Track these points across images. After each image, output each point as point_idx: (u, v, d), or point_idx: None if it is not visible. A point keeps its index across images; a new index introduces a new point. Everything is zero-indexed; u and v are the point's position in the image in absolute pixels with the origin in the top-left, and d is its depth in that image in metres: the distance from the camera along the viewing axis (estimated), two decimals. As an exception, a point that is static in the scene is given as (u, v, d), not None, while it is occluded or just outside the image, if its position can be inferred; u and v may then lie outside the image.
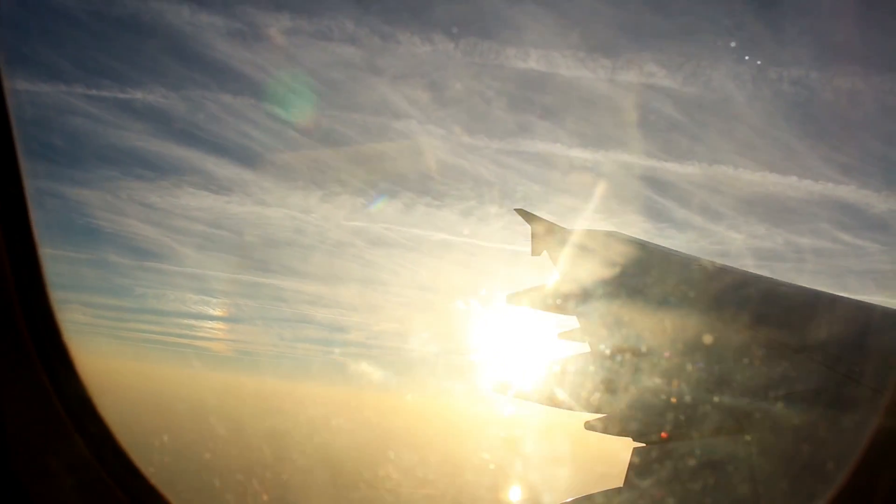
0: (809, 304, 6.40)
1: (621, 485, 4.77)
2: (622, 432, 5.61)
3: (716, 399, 4.96)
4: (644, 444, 4.92)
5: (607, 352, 6.76)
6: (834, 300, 6.37)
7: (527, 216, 12.81)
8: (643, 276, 8.33)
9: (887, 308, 5.64)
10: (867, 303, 6.03)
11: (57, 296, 2.36)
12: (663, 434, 4.93)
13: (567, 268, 9.92)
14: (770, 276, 7.40)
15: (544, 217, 12.82)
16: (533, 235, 12.44)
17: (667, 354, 6.04)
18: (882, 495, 1.79)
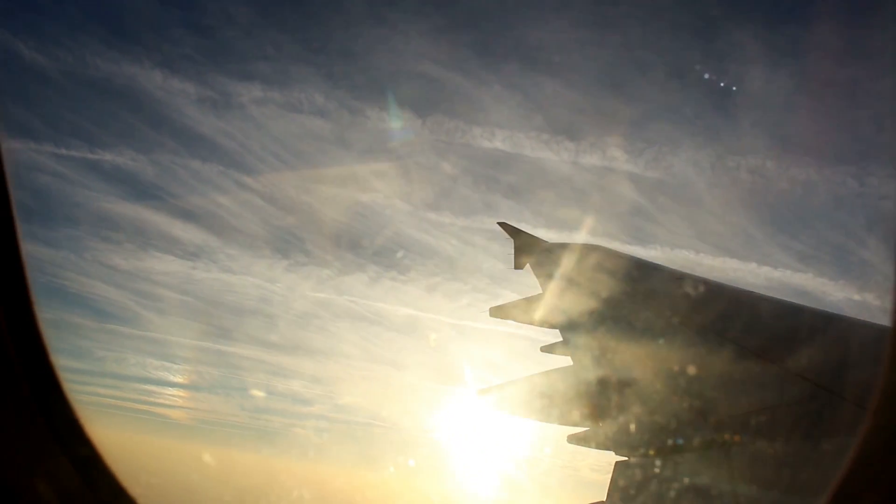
0: (790, 319, 6.48)
1: (604, 499, 4.81)
2: (604, 446, 5.65)
3: (698, 414, 5.00)
4: (626, 459, 4.96)
5: (590, 365, 6.79)
6: (815, 315, 6.45)
7: (510, 230, 12.87)
8: (626, 290, 8.38)
9: (868, 322, 5.72)
10: (848, 317, 6.12)
11: (43, 316, 2.36)
12: (645, 448, 4.97)
13: (549, 281, 9.97)
14: (752, 291, 7.48)
15: (527, 231, 12.90)
16: (516, 249, 12.50)
17: (649, 369, 6.08)
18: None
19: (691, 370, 5.76)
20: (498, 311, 9.97)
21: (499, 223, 13.12)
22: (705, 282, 8.04)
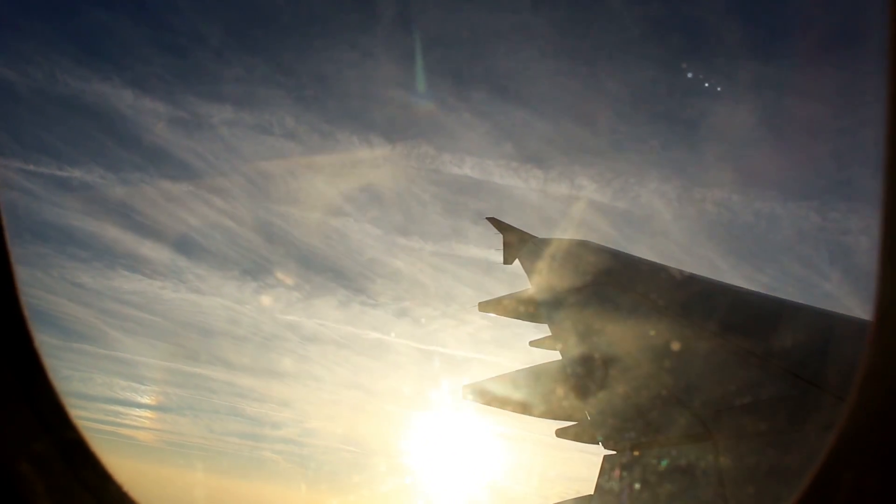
0: (774, 312, 6.52)
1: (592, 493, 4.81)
2: (593, 440, 5.65)
3: (684, 406, 5.02)
4: (614, 452, 4.97)
5: (578, 359, 6.80)
6: (798, 308, 6.49)
7: (499, 225, 12.88)
8: (614, 284, 8.40)
9: (849, 316, 5.76)
10: (829, 311, 6.17)
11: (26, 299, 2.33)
12: (633, 442, 4.98)
13: (538, 276, 9.98)
14: (734, 285, 7.52)
15: (516, 227, 12.91)
16: (505, 245, 12.51)
17: (637, 362, 6.10)
18: (843, 501, 1.83)
19: (678, 363, 5.78)
20: (487, 307, 9.97)
21: (487, 218, 13.13)
22: (693, 277, 8.07)
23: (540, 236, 12.07)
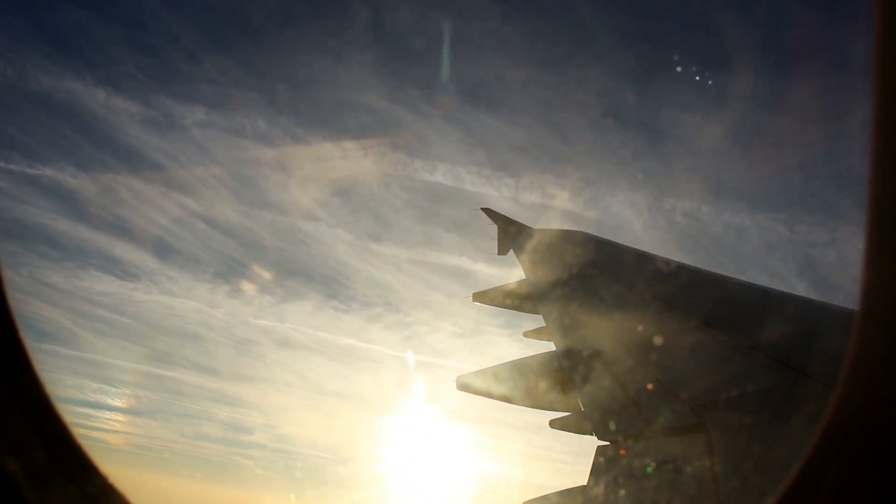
0: (767, 302, 6.51)
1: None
2: (586, 430, 5.65)
3: (677, 397, 5.02)
4: (608, 442, 4.97)
5: (572, 350, 6.79)
6: (790, 299, 6.49)
7: (493, 215, 12.86)
8: (609, 275, 8.39)
9: (840, 307, 5.77)
10: (823, 302, 6.17)
11: (14, 295, 2.31)
12: (626, 432, 4.98)
13: (533, 266, 9.97)
14: (729, 276, 7.51)
15: (510, 217, 12.90)
16: (499, 235, 12.50)
17: (630, 353, 6.09)
18: (829, 491, 1.83)
19: (671, 354, 5.78)
20: (481, 297, 9.96)
21: (482, 209, 13.13)
22: (687, 268, 8.06)
23: (538, 228, 12.05)
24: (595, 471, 4.76)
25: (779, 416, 4.31)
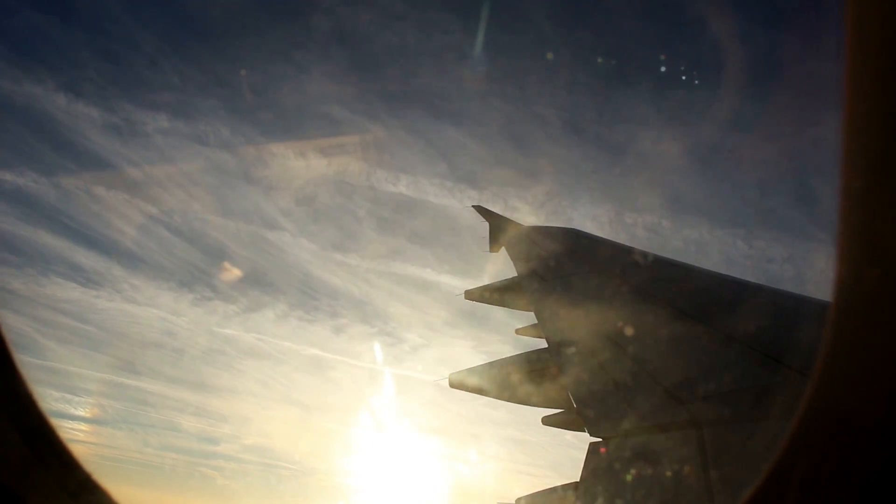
0: (758, 299, 6.53)
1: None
2: (579, 427, 5.63)
3: (669, 393, 5.01)
4: (600, 439, 4.95)
5: (563, 346, 6.78)
6: (782, 294, 6.51)
7: (484, 213, 12.85)
8: (600, 271, 8.39)
9: (812, 298, 5.81)
10: (799, 294, 6.21)
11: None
12: (618, 429, 4.96)
13: (524, 263, 9.95)
14: (719, 273, 7.53)
15: (501, 214, 12.89)
16: (491, 232, 12.49)
17: (622, 349, 6.08)
18: (802, 481, 1.86)
19: (662, 350, 5.77)
20: (472, 295, 9.95)
21: (473, 206, 13.12)
22: (678, 265, 8.07)
23: (529, 225, 12.05)
24: (587, 467, 4.74)
25: (769, 410, 4.31)
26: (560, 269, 8.96)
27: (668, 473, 4.18)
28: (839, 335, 1.80)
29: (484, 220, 12.79)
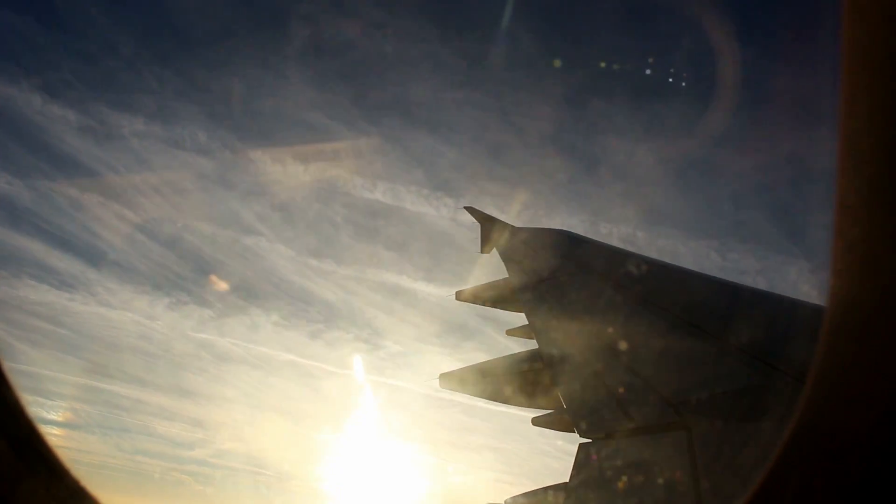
0: (747, 300, 6.55)
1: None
2: (568, 428, 5.65)
3: (658, 394, 5.03)
4: (590, 440, 4.96)
5: (554, 347, 6.79)
6: (770, 297, 6.54)
7: (476, 214, 12.85)
8: (592, 274, 8.40)
9: (814, 304, 5.83)
10: (793, 298, 6.23)
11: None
12: (608, 430, 4.98)
13: (515, 264, 9.97)
14: (711, 276, 7.56)
15: (494, 215, 12.89)
16: (482, 233, 12.50)
17: (612, 350, 6.10)
18: (798, 488, 1.86)
19: (652, 351, 5.79)
20: (463, 295, 9.95)
21: (465, 207, 13.12)
22: (668, 267, 8.09)
23: (521, 227, 12.06)
24: (577, 468, 4.75)
25: (759, 413, 4.33)
26: (549, 269, 8.98)
27: (658, 475, 4.20)
28: (833, 346, 1.80)
29: (476, 221, 12.79)
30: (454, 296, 10.00)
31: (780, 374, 4.59)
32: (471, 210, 13.05)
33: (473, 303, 9.72)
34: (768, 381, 4.58)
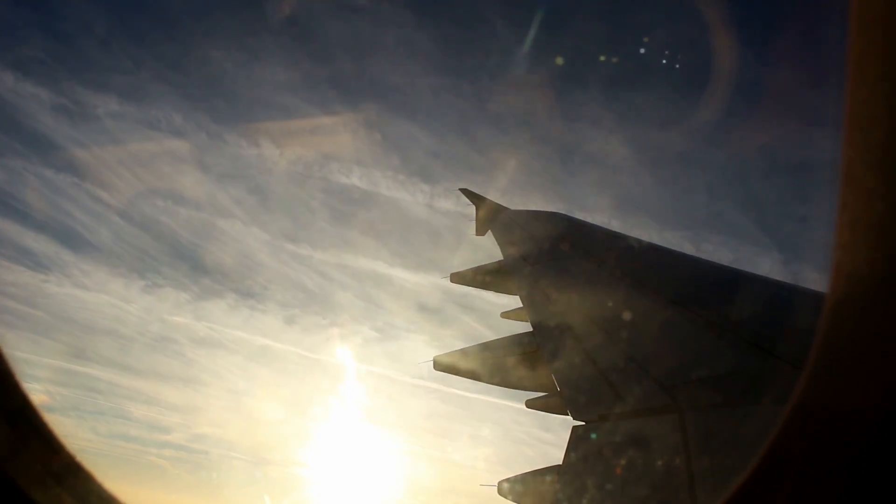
0: (741, 284, 6.57)
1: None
2: (562, 410, 5.66)
3: (651, 377, 5.04)
4: (583, 423, 4.98)
5: (547, 329, 6.80)
6: (763, 281, 6.55)
7: (471, 196, 12.83)
8: (584, 255, 8.40)
9: (807, 288, 5.85)
10: (786, 283, 6.24)
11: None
12: (601, 412, 4.99)
13: (510, 246, 9.96)
14: (702, 258, 7.57)
15: (489, 198, 12.87)
16: (477, 215, 12.48)
17: (605, 333, 6.11)
18: (795, 470, 1.85)
19: (645, 333, 5.80)
20: (458, 278, 9.95)
21: (460, 189, 13.09)
22: (661, 249, 8.10)
23: (516, 209, 12.04)
24: (570, 450, 4.77)
25: (753, 397, 4.34)
26: (546, 252, 8.98)
27: (651, 457, 4.21)
28: (836, 322, 1.76)
29: (471, 203, 12.76)
30: (448, 278, 10.00)
31: (774, 358, 4.60)
32: (466, 192, 13.02)
33: (468, 285, 9.73)
34: (762, 366, 4.59)
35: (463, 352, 7.43)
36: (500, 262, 9.58)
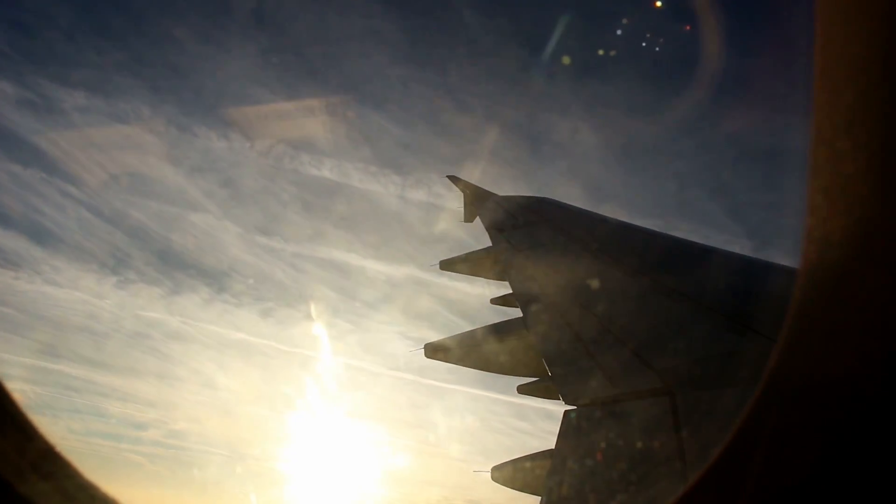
0: (732, 265, 6.58)
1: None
2: (553, 395, 5.65)
3: (643, 361, 5.03)
4: (574, 407, 4.97)
5: (537, 314, 6.78)
6: (753, 262, 6.57)
7: (458, 182, 12.79)
8: (572, 238, 8.39)
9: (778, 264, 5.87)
10: (761, 260, 6.26)
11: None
12: (593, 396, 4.98)
13: (500, 232, 9.93)
14: (690, 240, 7.59)
15: (476, 184, 12.83)
16: (465, 202, 12.44)
17: (594, 315, 6.09)
18: (769, 439, 1.85)
19: (636, 317, 5.79)
20: (447, 265, 9.92)
21: (448, 176, 13.05)
22: (648, 232, 8.10)
23: (503, 195, 12.01)
24: (562, 434, 4.76)
25: (742, 378, 4.34)
26: (532, 236, 8.96)
27: (642, 440, 4.20)
28: (809, 288, 1.76)
29: (460, 190, 12.72)
30: (438, 265, 9.98)
31: (763, 338, 4.59)
32: (453, 179, 12.97)
33: (457, 272, 9.70)
34: (751, 346, 4.59)
35: (454, 339, 7.41)
36: (487, 248, 9.56)
